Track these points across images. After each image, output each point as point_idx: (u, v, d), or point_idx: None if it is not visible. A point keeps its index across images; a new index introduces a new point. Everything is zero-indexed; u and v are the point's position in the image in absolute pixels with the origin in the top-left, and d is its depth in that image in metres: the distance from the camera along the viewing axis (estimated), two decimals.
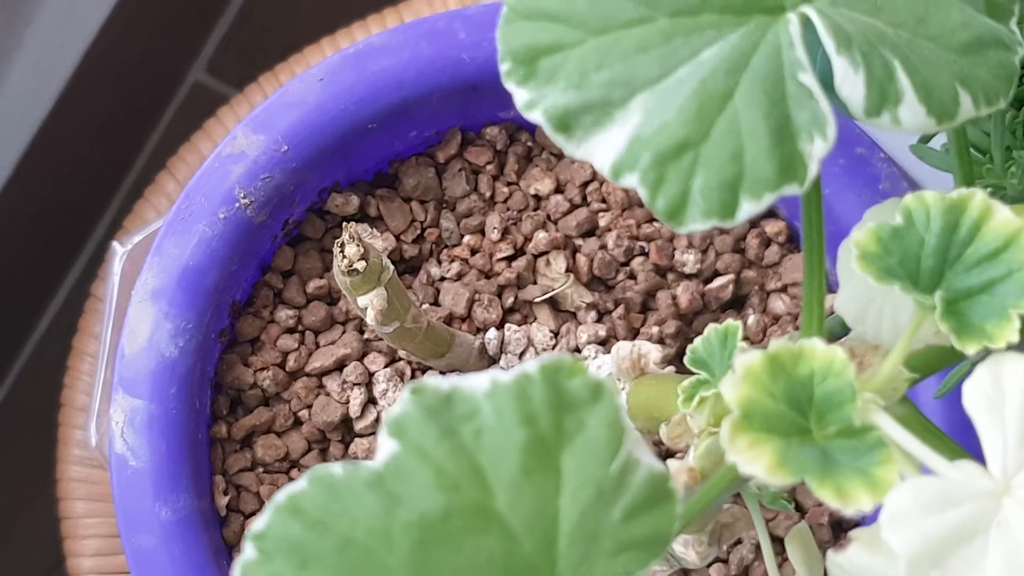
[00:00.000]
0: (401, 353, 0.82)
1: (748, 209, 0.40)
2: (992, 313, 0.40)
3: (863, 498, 0.38)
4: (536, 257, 0.84)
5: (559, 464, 0.38)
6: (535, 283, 0.84)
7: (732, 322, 0.51)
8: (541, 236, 0.83)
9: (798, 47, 0.41)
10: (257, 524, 0.37)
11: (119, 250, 0.94)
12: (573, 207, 0.85)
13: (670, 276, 0.84)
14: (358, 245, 0.70)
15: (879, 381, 0.41)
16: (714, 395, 0.49)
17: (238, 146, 0.79)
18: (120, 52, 1.29)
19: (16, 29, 1.24)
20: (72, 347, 1.03)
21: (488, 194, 0.85)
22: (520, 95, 0.42)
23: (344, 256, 0.69)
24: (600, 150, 0.41)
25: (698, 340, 0.52)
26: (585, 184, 0.86)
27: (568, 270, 0.83)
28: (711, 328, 0.52)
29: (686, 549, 0.58)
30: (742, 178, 0.40)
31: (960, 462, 0.39)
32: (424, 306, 0.82)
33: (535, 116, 0.42)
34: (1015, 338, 0.39)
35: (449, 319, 0.83)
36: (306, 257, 0.83)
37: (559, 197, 0.85)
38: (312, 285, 0.82)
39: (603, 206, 0.85)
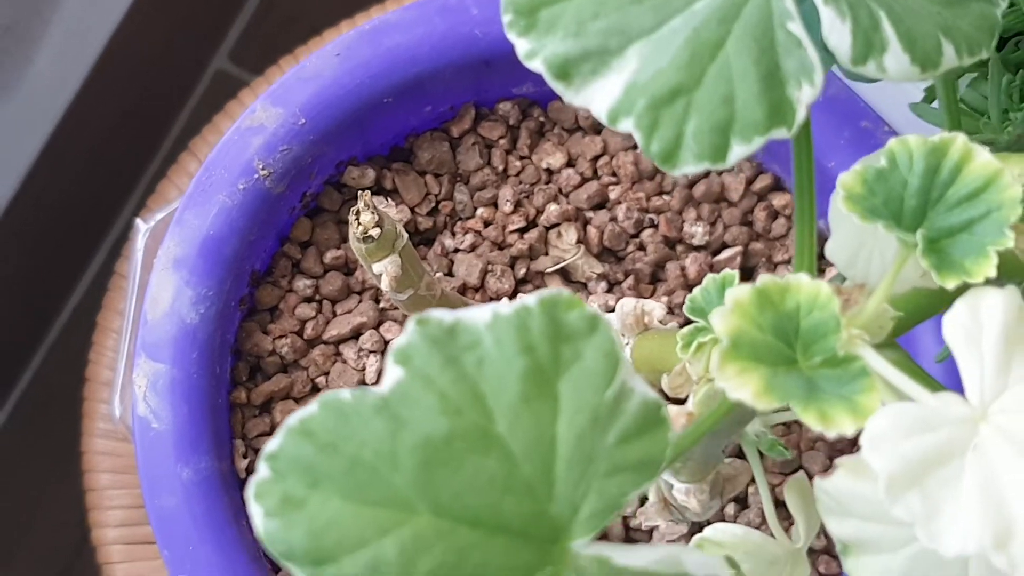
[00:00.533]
0: None
1: (739, 151, 0.42)
2: (971, 250, 0.41)
3: (845, 422, 0.39)
4: (548, 229, 0.86)
5: (556, 391, 0.40)
6: (547, 254, 0.86)
7: (729, 271, 0.53)
8: (553, 209, 0.85)
9: None
10: (270, 445, 0.39)
11: (142, 227, 0.96)
12: (584, 180, 0.87)
13: (679, 248, 0.86)
14: (373, 213, 0.72)
15: (865, 317, 0.43)
16: (711, 341, 0.51)
17: (257, 119, 0.81)
18: (143, 41, 1.31)
19: (42, 16, 1.26)
20: (97, 323, 1.05)
21: (501, 168, 0.87)
22: (521, 45, 0.44)
23: (359, 223, 0.71)
24: (598, 97, 0.43)
25: (697, 290, 0.54)
26: (596, 158, 0.88)
27: (579, 241, 0.85)
28: (709, 278, 0.54)
29: (687, 498, 0.59)
30: (733, 122, 0.42)
31: (941, 393, 0.41)
32: (438, 275, 0.84)
33: (535, 65, 0.44)
34: (993, 273, 0.41)
35: (463, 289, 0.85)
36: (323, 228, 0.85)
37: (570, 171, 0.87)
38: (329, 255, 0.85)
39: (613, 179, 0.87)
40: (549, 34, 0.44)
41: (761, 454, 0.59)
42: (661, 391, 0.58)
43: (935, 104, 0.66)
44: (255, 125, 0.81)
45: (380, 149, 0.87)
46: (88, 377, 1.05)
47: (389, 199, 0.86)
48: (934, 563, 0.42)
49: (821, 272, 0.74)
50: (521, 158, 0.88)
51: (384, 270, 0.74)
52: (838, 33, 0.42)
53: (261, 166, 0.80)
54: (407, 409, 0.40)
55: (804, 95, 0.42)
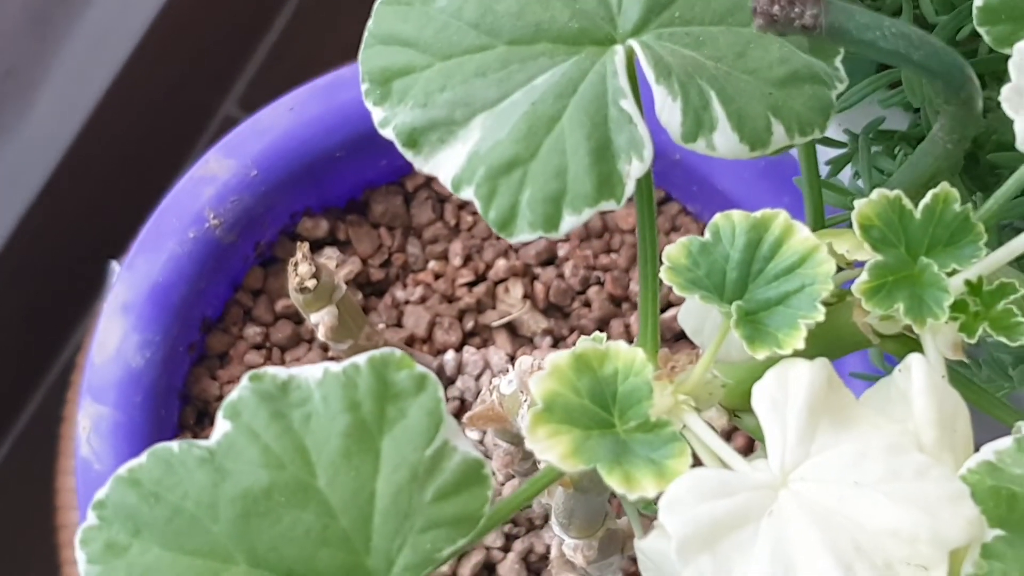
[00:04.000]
0: None
1: (570, 221, 0.44)
2: (785, 323, 0.43)
3: (649, 485, 0.41)
4: (496, 284, 0.88)
5: (379, 448, 0.42)
6: (494, 308, 0.88)
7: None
8: (501, 263, 0.87)
9: (621, 76, 0.44)
10: (99, 493, 0.41)
11: (116, 268, 0.99)
12: None
13: (624, 305, 0.88)
14: (310, 264, 0.74)
15: (691, 385, 0.45)
16: None
17: (209, 170, 0.83)
18: (148, 86, 1.33)
19: (44, 60, 1.29)
20: (75, 364, 1.07)
21: (453, 222, 0.89)
22: (376, 114, 0.46)
23: (296, 274, 0.73)
24: (444, 165, 0.45)
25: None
26: None
27: (526, 296, 0.87)
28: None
29: (575, 554, 0.61)
30: (565, 193, 0.44)
31: (755, 460, 0.42)
32: (381, 327, 0.86)
33: (388, 133, 0.46)
34: (801, 345, 0.42)
35: (411, 340, 0.87)
36: (276, 277, 0.88)
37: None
38: (280, 304, 0.87)
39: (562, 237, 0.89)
40: (401, 104, 0.46)
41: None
42: None
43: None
44: (207, 175, 0.83)
45: (336, 201, 0.89)
46: (65, 416, 1.07)
47: (342, 251, 0.88)
48: None
49: None
50: (473, 213, 0.90)
51: (321, 320, 0.76)
52: (669, 111, 0.44)
53: (212, 215, 0.83)
54: (231, 462, 0.41)
55: (633, 169, 0.44)
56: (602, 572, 0.64)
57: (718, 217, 0.44)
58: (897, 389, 0.44)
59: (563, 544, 0.62)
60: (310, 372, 0.43)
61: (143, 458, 0.41)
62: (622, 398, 0.42)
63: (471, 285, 0.88)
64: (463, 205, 0.90)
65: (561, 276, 0.87)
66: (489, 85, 0.45)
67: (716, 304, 0.43)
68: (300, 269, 0.74)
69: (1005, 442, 0.42)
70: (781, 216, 0.43)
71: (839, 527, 0.40)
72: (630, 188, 0.44)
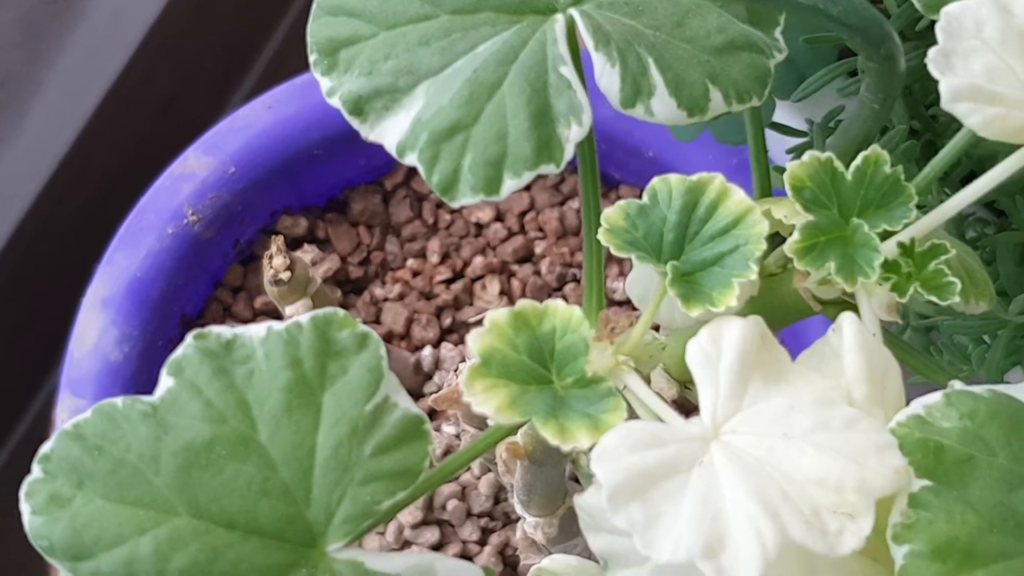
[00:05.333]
0: None
1: (511, 185, 0.45)
2: (719, 282, 0.44)
3: (583, 437, 0.42)
4: (473, 281, 0.89)
5: (320, 403, 0.43)
6: (472, 305, 0.89)
7: None
8: (479, 261, 0.88)
9: (561, 44, 0.45)
10: (44, 447, 0.42)
11: None
12: (511, 234, 0.90)
13: None
14: (285, 257, 0.75)
15: (630, 345, 0.46)
16: None
17: (188, 167, 0.84)
18: (145, 95, 1.34)
19: (38, 70, 1.30)
20: None
21: (431, 220, 0.90)
22: (324, 84, 0.47)
23: (271, 267, 0.75)
24: (390, 132, 0.46)
25: None
26: (523, 213, 0.90)
27: (503, 293, 0.88)
28: None
29: (535, 531, 0.62)
30: (505, 157, 0.45)
31: (694, 417, 0.43)
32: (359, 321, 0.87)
33: (335, 102, 0.47)
34: (734, 303, 0.43)
35: (389, 337, 0.88)
36: (255, 274, 0.89)
37: (498, 225, 0.90)
38: (259, 301, 0.88)
39: (539, 234, 0.90)
40: (347, 73, 0.47)
41: None
42: None
43: None
44: (186, 172, 0.84)
45: (316, 200, 0.90)
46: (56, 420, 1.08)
47: (322, 249, 0.89)
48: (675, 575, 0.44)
49: None
50: (451, 212, 0.91)
51: (296, 313, 0.77)
52: (608, 77, 0.45)
53: (191, 212, 0.84)
54: (173, 416, 0.42)
55: (573, 133, 0.45)
56: (567, 553, 0.65)
57: (656, 180, 0.45)
58: (831, 348, 0.44)
59: (525, 523, 0.62)
60: (254, 331, 0.44)
61: (88, 413, 0.42)
62: (560, 354, 0.43)
63: (449, 282, 0.89)
64: (441, 204, 0.91)
65: (538, 273, 0.88)
66: (432, 53, 0.46)
67: (653, 264, 0.44)
68: (275, 262, 0.75)
69: (934, 396, 0.43)
70: (717, 179, 0.44)
71: (767, 477, 0.40)
72: (569, 152, 0.45)
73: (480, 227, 0.90)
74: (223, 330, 0.44)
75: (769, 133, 0.61)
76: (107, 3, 1.25)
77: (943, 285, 0.44)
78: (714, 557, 0.39)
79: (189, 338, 0.43)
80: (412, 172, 0.91)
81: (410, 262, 0.89)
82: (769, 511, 0.39)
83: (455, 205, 0.45)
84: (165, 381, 0.43)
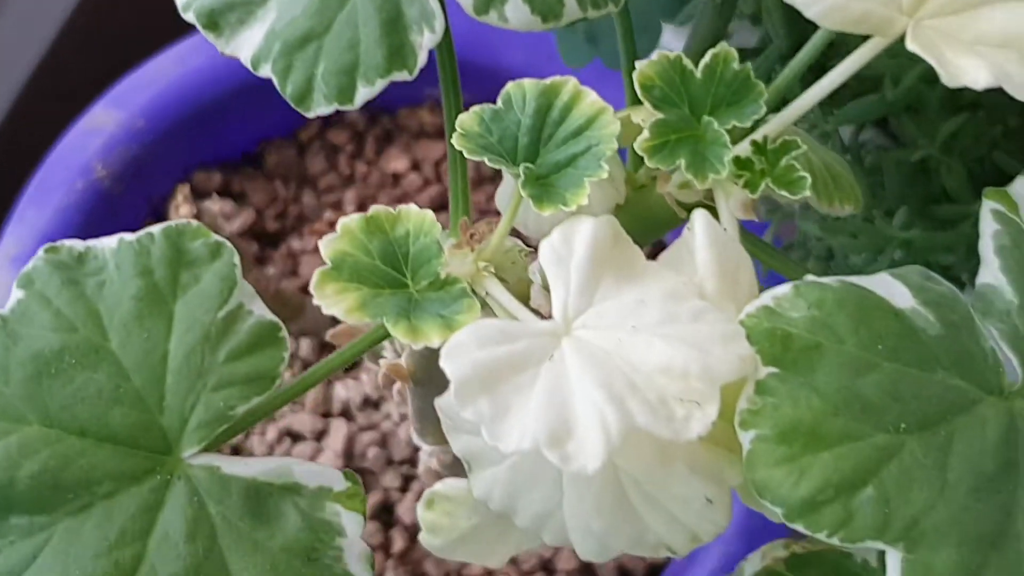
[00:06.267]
0: None
1: (364, 93, 0.45)
2: (572, 183, 0.44)
3: (434, 336, 0.42)
4: None
5: (172, 311, 0.43)
6: None
7: None
8: None
9: None
10: None
11: None
12: (427, 183, 0.90)
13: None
14: (191, 205, 0.75)
15: (489, 251, 0.46)
16: None
17: (96, 121, 0.84)
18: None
19: None
20: None
21: (347, 172, 0.90)
22: (178, 0, 0.47)
23: (177, 215, 0.75)
24: (245, 45, 0.46)
25: None
26: (439, 162, 0.90)
27: None
28: None
29: (431, 459, 0.62)
30: (358, 65, 0.45)
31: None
32: (272, 272, 0.87)
33: (190, 17, 0.47)
34: (585, 201, 0.43)
35: (307, 288, 0.88)
36: None
37: (414, 175, 0.90)
38: None
39: None
40: None
41: None
42: None
43: None
44: (94, 127, 0.84)
45: (231, 154, 0.90)
46: None
47: (237, 202, 0.89)
48: (531, 472, 0.44)
49: None
50: (368, 163, 0.91)
51: None
52: None
53: (99, 167, 0.83)
54: (23, 327, 0.42)
55: (425, 40, 0.45)
56: (448, 473, 0.65)
57: (510, 85, 0.45)
58: (687, 247, 0.45)
59: (422, 452, 0.62)
60: (106, 242, 0.44)
61: None
62: (414, 258, 0.43)
63: None
64: (357, 155, 0.91)
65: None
66: None
67: (507, 168, 0.44)
68: (181, 210, 0.75)
69: (784, 287, 0.43)
70: (571, 82, 0.44)
71: (615, 368, 0.40)
72: (422, 58, 0.45)
73: (397, 177, 0.90)
74: (75, 243, 0.44)
75: None
76: None
77: (794, 180, 0.44)
78: (560, 446, 0.39)
79: (40, 252, 0.43)
80: (327, 124, 0.91)
81: (327, 214, 0.89)
82: (615, 400, 0.39)
83: (310, 115, 0.45)
84: (15, 294, 0.43)
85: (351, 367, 0.84)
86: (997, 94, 0.43)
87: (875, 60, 0.45)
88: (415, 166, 0.91)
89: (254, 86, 0.84)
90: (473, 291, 0.45)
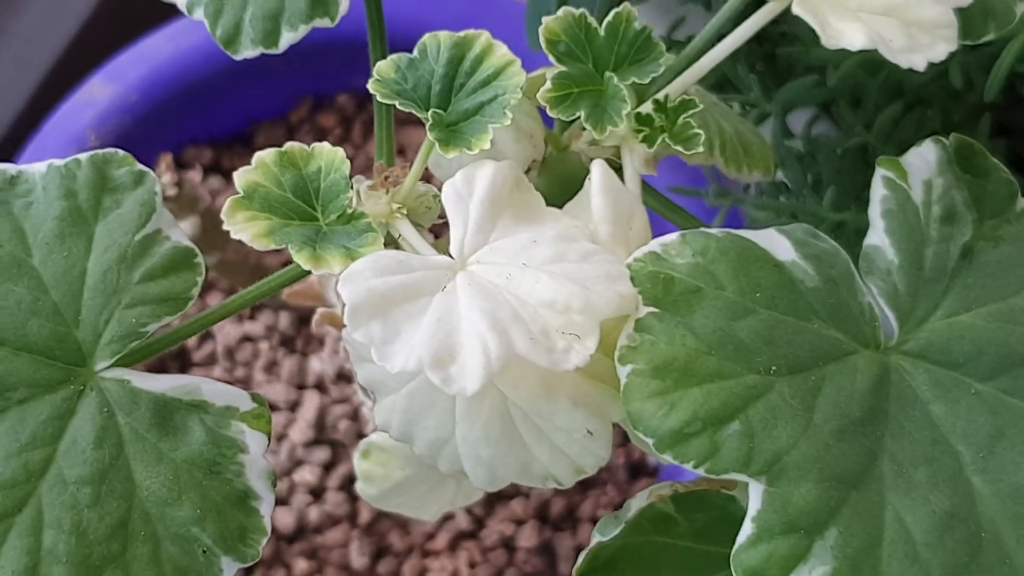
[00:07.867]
0: None
1: (288, 37, 0.48)
2: (478, 129, 0.46)
3: (336, 264, 0.44)
4: None
5: (92, 232, 0.45)
6: None
7: None
8: None
9: None
10: None
11: None
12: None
13: None
14: (173, 173, 0.78)
15: (403, 194, 0.48)
16: None
17: (91, 94, 0.87)
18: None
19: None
20: None
21: None
22: None
23: (160, 183, 0.77)
24: None
25: None
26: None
27: None
28: None
29: (372, 412, 0.64)
30: (283, 11, 0.48)
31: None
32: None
33: None
34: (487, 146, 0.45)
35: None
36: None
37: (399, 160, 0.92)
38: None
39: None
40: None
41: None
42: None
43: None
44: (89, 100, 0.87)
45: (223, 132, 0.93)
46: None
47: (223, 179, 0.92)
48: (427, 398, 0.46)
49: None
50: (355, 147, 0.94)
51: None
52: None
53: (93, 136, 0.86)
54: None
55: None
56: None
57: (426, 36, 0.47)
58: (586, 195, 0.47)
59: (365, 407, 0.65)
60: (37, 167, 0.46)
61: None
62: (324, 193, 0.46)
63: None
64: (343, 139, 0.94)
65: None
66: None
67: (417, 112, 0.46)
68: (164, 178, 0.77)
69: (672, 236, 0.45)
70: (483, 36, 0.47)
71: (502, 300, 0.42)
72: (344, 7, 0.47)
73: None
74: (8, 167, 0.46)
75: None
76: None
77: (689, 137, 0.47)
78: (443, 368, 0.41)
79: None
80: (316, 107, 0.94)
81: None
82: (498, 329, 0.41)
83: (238, 58, 0.48)
84: None
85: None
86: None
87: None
88: (400, 151, 0.93)
89: (246, 67, 0.88)
90: (389, 233, 0.47)
